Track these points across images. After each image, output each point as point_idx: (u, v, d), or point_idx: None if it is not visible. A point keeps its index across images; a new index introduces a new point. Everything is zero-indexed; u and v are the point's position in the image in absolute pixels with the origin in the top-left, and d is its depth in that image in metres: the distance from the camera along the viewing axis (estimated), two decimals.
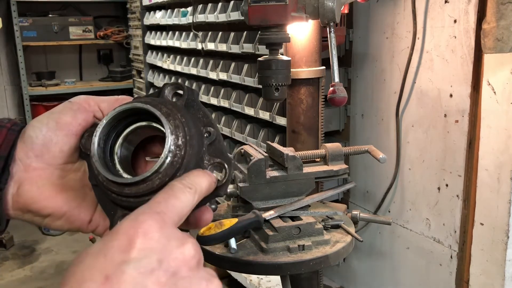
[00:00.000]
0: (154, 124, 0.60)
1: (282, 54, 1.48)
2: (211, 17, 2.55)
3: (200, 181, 0.56)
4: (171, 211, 0.50)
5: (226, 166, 0.60)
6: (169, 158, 0.55)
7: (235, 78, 2.43)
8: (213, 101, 2.70)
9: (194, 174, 0.56)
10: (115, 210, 0.59)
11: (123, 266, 0.44)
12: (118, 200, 0.57)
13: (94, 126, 0.64)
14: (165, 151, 0.55)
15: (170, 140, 0.55)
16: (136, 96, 0.65)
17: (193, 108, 0.62)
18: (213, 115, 2.75)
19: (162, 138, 0.57)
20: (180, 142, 0.55)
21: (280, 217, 1.30)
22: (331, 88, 1.40)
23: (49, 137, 0.62)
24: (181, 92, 0.62)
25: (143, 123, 0.61)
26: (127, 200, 0.56)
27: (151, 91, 3.78)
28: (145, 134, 0.64)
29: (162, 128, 0.56)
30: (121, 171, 0.61)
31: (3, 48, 4.76)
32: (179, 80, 3.18)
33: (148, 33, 3.71)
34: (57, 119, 0.63)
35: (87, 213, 0.66)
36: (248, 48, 2.26)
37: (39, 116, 0.65)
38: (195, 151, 0.57)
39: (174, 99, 0.62)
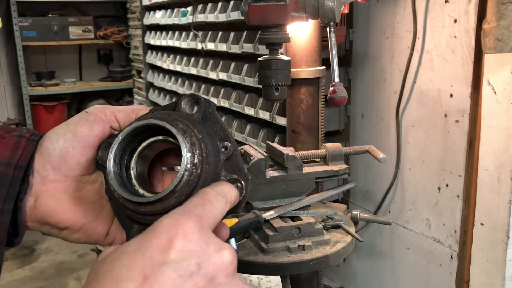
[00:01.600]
0: (170, 139, 0.59)
1: (282, 54, 1.48)
2: (211, 17, 2.55)
3: (231, 192, 0.55)
4: (208, 216, 0.49)
5: (243, 182, 0.58)
6: (185, 177, 0.54)
7: (235, 78, 2.43)
8: (213, 101, 2.70)
9: (224, 184, 0.56)
10: (132, 224, 0.59)
11: (162, 267, 0.43)
12: (134, 217, 0.57)
13: (111, 137, 0.63)
14: (181, 170, 0.54)
15: (186, 159, 0.54)
16: (151, 107, 0.64)
17: (210, 121, 0.60)
18: None
19: (178, 149, 0.56)
20: (196, 160, 0.54)
21: (280, 217, 1.30)
22: (331, 88, 1.40)
23: (66, 149, 0.62)
24: (197, 103, 0.61)
25: (159, 137, 0.60)
26: (143, 218, 0.56)
27: (150, 91, 3.78)
28: (161, 147, 0.63)
29: (178, 143, 0.55)
30: (137, 186, 0.60)
31: (3, 48, 4.76)
32: (179, 80, 3.18)
33: (148, 33, 3.70)
34: (74, 130, 0.62)
35: (104, 226, 0.66)
36: (248, 48, 2.25)
37: (56, 127, 0.64)
38: (211, 168, 0.56)
39: (191, 111, 0.61)
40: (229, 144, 0.59)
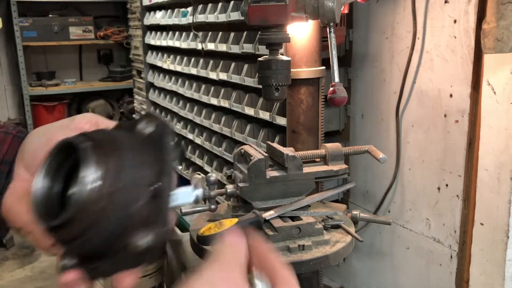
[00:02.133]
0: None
1: (282, 54, 1.48)
2: (211, 17, 2.55)
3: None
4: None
5: (155, 231, 0.47)
6: (79, 202, 0.45)
7: (235, 78, 2.43)
8: (213, 101, 2.70)
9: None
10: None
11: None
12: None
13: None
14: (78, 192, 0.45)
15: (84, 181, 0.45)
16: (118, 122, 0.57)
17: (157, 148, 0.50)
18: (213, 115, 2.76)
19: None
20: (96, 186, 0.45)
21: (280, 217, 1.30)
22: (331, 88, 1.40)
23: (38, 151, 0.60)
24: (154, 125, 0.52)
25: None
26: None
27: (150, 91, 3.79)
28: None
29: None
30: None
31: (3, 48, 4.76)
32: (179, 81, 3.18)
33: (148, 33, 3.71)
34: (51, 135, 0.60)
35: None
36: (248, 48, 2.26)
37: (42, 126, 0.63)
38: (120, 202, 0.46)
39: (145, 133, 0.52)
40: (159, 182, 0.48)
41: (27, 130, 0.66)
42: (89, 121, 0.60)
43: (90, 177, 0.45)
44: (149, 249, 0.47)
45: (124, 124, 0.53)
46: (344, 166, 1.44)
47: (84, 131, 0.51)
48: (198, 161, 3.05)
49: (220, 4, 2.49)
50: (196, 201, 0.55)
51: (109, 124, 0.59)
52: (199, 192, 0.56)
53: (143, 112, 3.73)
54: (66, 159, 0.51)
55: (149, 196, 0.47)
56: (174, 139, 0.52)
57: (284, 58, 1.46)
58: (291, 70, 1.51)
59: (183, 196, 0.53)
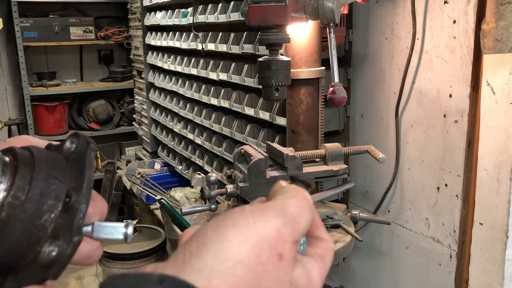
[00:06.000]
0: None
1: (282, 55, 1.49)
2: (211, 18, 2.56)
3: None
4: None
5: (62, 243, 0.47)
6: None
7: (235, 79, 2.44)
8: (214, 101, 2.71)
9: None
10: None
11: None
12: None
13: None
14: None
15: None
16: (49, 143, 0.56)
17: (76, 166, 0.50)
18: (213, 116, 2.76)
19: None
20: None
21: None
22: (330, 89, 1.41)
23: None
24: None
25: None
26: None
27: (150, 91, 3.79)
28: None
29: None
30: None
31: (4, 49, 4.77)
32: (179, 81, 3.19)
33: (148, 33, 3.71)
34: None
35: None
36: (248, 48, 2.26)
37: None
38: (27, 214, 0.45)
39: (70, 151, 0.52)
40: (73, 197, 0.48)
41: None
42: (22, 143, 0.56)
43: None
44: (55, 262, 0.46)
45: (52, 144, 0.53)
46: (343, 166, 1.45)
47: (5, 148, 0.50)
48: (198, 161, 3.06)
49: (220, 4, 2.50)
50: (125, 239, 0.54)
51: (42, 144, 0.56)
52: (129, 231, 0.54)
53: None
54: None
55: (60, 209, 0.47)
56: (96, 157, 0.52)
57: (284, 58, 1.47)
58: (291, 70, 1.51)
59: (110, 231, 0.52)
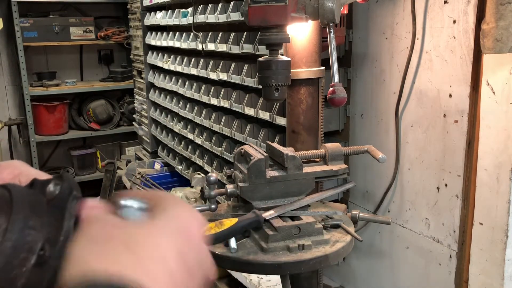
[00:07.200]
0: None
1: (282, 55, 1.49)
2: (211, 18, 2.56)
3: None
4: None
5: None
6: None
7: (235, 79, 2.44)
8: (214, 101, 2.71)
9: None
10: None
11: None
12: None
13: None
14: None
15: None
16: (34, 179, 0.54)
17: (56, 212, 0.48)
18: (213, 115, 2.76)
19: None
20: None
21: (280, 216, 1.31)
22: (330, 89, 1.41)
23: None
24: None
25: None
26: None
27: (151, 91, 3.79)
28: None
29: None
30: None
31: (4, 49, 4.77)
32: (179, 81, 3.19)
33: (148, 33, 3.71)
34: None
35: None
36: (248, 48, 2.26)
37: None
38: None
39: (53, 194, 0.49)
40: (47, 251, 0.45)
41: None
42: (11, 172, 0.54)
43: None
44: None
45: (39, 181, 0.50)
46: (343, 166, 1.45)
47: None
48: (198, 161, 3.06)
49: (220, 4, 2.50)
50: None
51: (36, 175, 0.54)
52: None
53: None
54: None
55: (33, 263, 0.44)
56: (78, 203, 0.49)
57: (284, 58, 1.47)
58: (291, 70, 1.51)
59: None
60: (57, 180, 0.49)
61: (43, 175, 0.53)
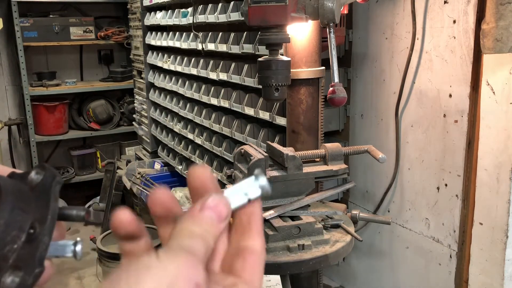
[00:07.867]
0: None
1: (282, 55, 1.49)
2: (211, 18, 2.56)
3: None
4: None
5: (20, 275, 0.47)
6: None
7: (235, 79, 2.44)
8: (214, 101, 2.71)
9: None
10: None
11: None
12: None
13: None
14: None
15: None
16: (11, 172, 0.57)
17: (42, 197, 0.51)
18: (213, 115, 2.76)
19: None
20: None
21: (280, 216, 1.31)
22: (330, 88, 1.41)
23: None
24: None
25: None
26: None
27: (150, 91, 3.79)
28: None
29: None
30: None
31: (4, 49, 4.77)
32: (179, 81, 3.19)
33: (148, 33, 3.71)
34: None
35: None
36: (248, 48, 2.26)
37: None
38: None
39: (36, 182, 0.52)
40: (37, 228, 0.49)
41: None
42: None
43: None
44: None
45: (17, 173, 0.54)
46: (343, 166, 1.45)
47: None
48: (198, 161, 3.06)
49: (220, 4, 2.50)
50: (74, 256, 0.55)
51: (5, 171, 0.56)
52: (78, 248, 0.55)
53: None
54: None
55: (23, 240, 0.48)
56: (59, 189, 0.52)
57: (284, 58, 1.47)
58: (291, 70, 1.51)
59: (59, 249, 0.53)
60: (39, 169, 0.52)
61: (8, 170, 0.55)
